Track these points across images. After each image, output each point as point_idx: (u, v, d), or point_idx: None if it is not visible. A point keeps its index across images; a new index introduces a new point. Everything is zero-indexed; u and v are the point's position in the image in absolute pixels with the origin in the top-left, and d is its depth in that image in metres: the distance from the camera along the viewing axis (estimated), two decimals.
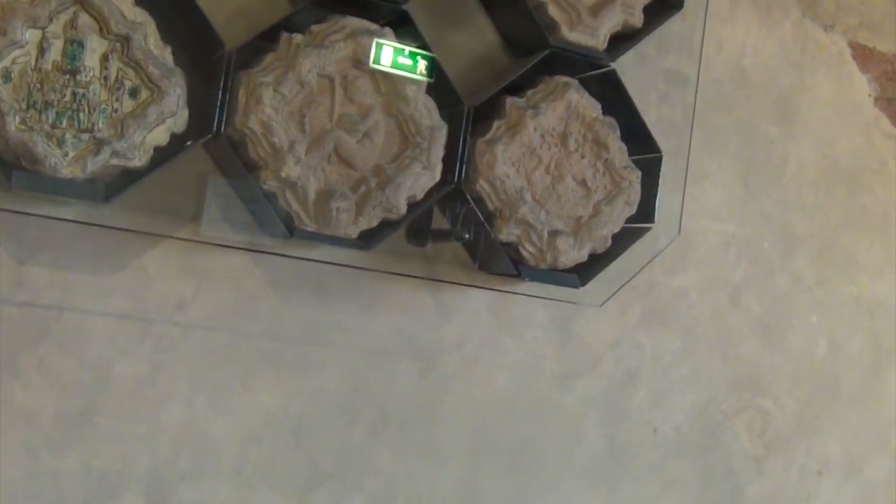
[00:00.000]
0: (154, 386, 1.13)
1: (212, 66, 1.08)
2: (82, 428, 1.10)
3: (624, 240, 1.30)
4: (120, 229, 1.07)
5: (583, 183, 1.25)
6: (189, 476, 1.14)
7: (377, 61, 1.12)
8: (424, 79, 1.14)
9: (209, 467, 1.15)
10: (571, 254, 1.24)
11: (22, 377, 1.08)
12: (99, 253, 1.11)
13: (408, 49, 1.13)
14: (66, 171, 1.00)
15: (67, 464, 1.09)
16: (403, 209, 1.15)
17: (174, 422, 1.13)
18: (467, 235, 1.18)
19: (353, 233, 1.13)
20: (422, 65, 1.14)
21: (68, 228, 1.08)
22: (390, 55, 1.13)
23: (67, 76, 1.01)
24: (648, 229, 1.29)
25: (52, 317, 1.09)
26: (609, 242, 1.28)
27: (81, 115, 1.02)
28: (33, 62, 1.00)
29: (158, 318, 1.13)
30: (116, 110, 1.03)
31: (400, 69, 1.13)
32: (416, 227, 1.22)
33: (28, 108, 1.00)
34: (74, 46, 1.02)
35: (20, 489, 1.07)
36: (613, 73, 1.25)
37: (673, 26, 1.32)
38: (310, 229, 1.12)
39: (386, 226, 1.16)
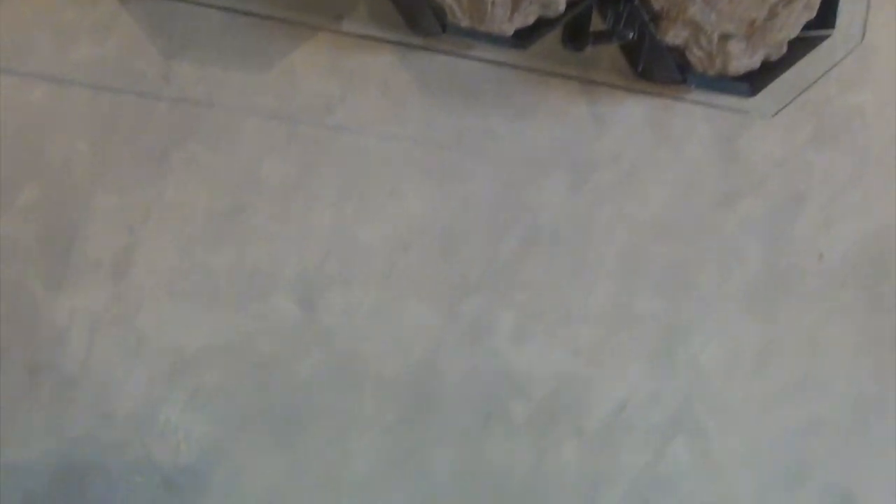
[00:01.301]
0: (303, 188, 1.10)
1: None
2: (233, 226, 1.09)
3: (800, 47, 1.19)
4: (267, 17, 1.03)
5: None
6: (337, 280, 1.13)
7: None
8: None
9: (357, 273, 1.13)
10: (743, 59, 1.14)
11: (173, 173, 1.07)
12: (247, 50, 1.08)
13: None
14: None
15: (220, 261, 1.09)
16: (562, 6, 1.08)
17: (323, 225, 1.12)
18: (631, 34, 1.09)
19: (509, 30, 1.07)
20: None
21: (216, 23, 1.05)
22: None
23: None
24: (827, 36, 1.18)
25: (201, 113, 1.07)
26: (784, 49, 1.18)
27: None
28: None
29: (306, 120, 1.10)
30: None
31: None
32: (574, 28, 1.14)
33: None
34: None
35: (177, 284, 1.07)
36: None
37: None
38: (463, 25, 1.05)
39: (543, 24, 1.09)
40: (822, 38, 1.18)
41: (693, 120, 1.24)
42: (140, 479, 1.09)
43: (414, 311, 1.16)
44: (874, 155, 1.33)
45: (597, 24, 1.15)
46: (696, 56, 1.14)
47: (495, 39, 1.07)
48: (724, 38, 1.13)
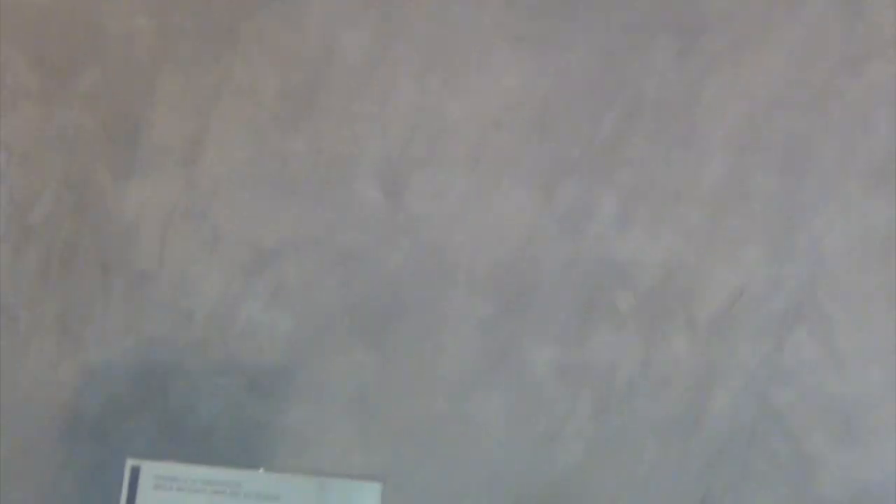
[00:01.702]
0: (383, 62, 1.01)
1: None
2: (308, 107, 1.00)
3: None
4: None
5: None
6: (423, 163, 1.04)
7: None
8: None
9: (445, 155, 1.04)
10: None
11: (242, 52, 0.98)
12: None
13: None
14: None
15: (296, 146, 1.01)
16: None
17: (406, 102, 1.02)
18: None
19: None
20: None
21: None
22: None
23: None
24: None
25: None
26: None
27: None
28: None
29: None
30: None
31: None
32: None
33: None
34: None
35: (248, 171, 1.00)
36: None
37: None
38: None
39: None
40: None
41: None
42: (223, 382, 1.03)
43: (508, 196, 1.07)
44: None
45: None
46: None
47: None
48: None
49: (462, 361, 1.08)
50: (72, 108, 0.97)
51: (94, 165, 0.98)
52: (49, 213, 1.00)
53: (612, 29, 1.06)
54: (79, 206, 0.99)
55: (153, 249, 1.00)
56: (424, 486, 1.09)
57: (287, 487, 0.86)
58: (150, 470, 0.86)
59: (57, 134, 0.98)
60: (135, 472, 0.86)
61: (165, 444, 1.02)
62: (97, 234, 0.99)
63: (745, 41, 1.11)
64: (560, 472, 1.12)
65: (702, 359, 1.13)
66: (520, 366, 1.09)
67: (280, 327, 1.04)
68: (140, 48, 0.95)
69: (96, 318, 1.01)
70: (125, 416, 1.02)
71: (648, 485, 1.14)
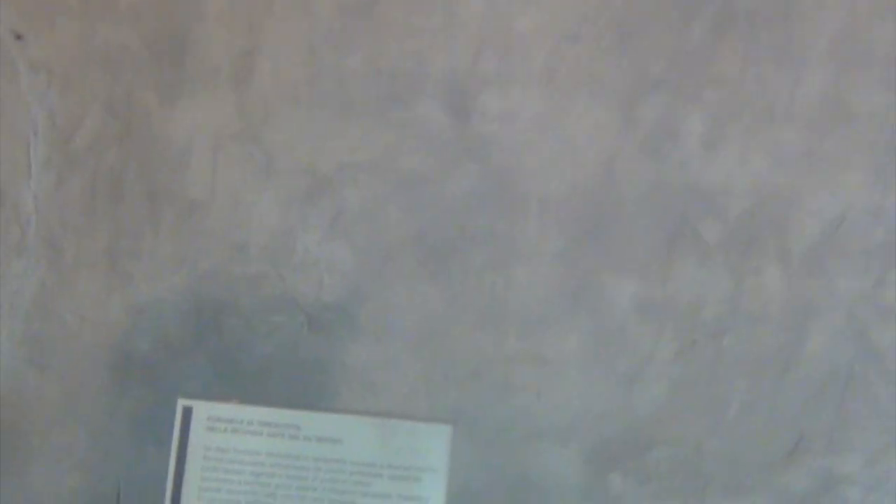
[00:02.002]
0: None
1: None
2: (366, 20, 0.92)
3: None
4: None
5: None
6: (493, 80, 0.96)
7: None
8: None
9: (516, 71, 0.96)
10: None
11: None
12: None
13: None
14: None
15: (353, 63, 0.93)
16: None
17: (473, 14, 0.94)
18: None
19: None
20: None
21: None
22: None
23: None
24: None
25: None
26: None
27: None
28: None
29: None
30: None
31: None
32: None
33: None
34: None
35: (303, 91, 0.92)
36: None
37: None
38: None
39: None
40: None
41: None
42: (279, 319, 0.97)
43: (584, 116, 0.98)
44: None
45: None
46: None
47: None
48: None
49: (535, 297, 1.00)
50: (115, 25, 0.90)
51: (138, 87, 0.92)
52: (93, 138, 0.93)
53: None
54: (124, 130, 0.93)
55: (203, 177, 0.94)
56: (494, 432, 1.02)
57: (349, 430, 0.80)
58: (203, 410, 0.80)
59: (99, 53, 0.92)
60: (187, 413, 0.80)
61: (219, 385, 0.96)
62: (144, 160, 0.93)
63: None
64: (641, 417, 1.04)
65: (796, 294, 1.04)
66: (598, 302, 1.01)
67: (339, 260, 0.97)
68: None
69: (145, 252, 0.95)
70: (176, 356, 0.97)
71: (736, 430, 1.06)
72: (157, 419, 0.98)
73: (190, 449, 0.80)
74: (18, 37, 0.89)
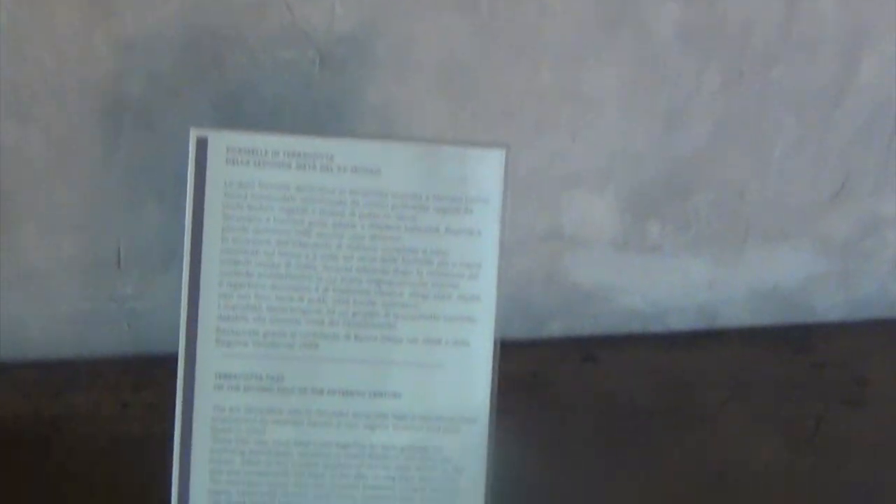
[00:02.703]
0: None
1: None
2: None
3: None
4: None
5: None
6: None
7: None
8: None
9: None
10: None
11: None
12: None
13: None
14: None
15: None
16: None
17: None
18: None
19: None
20: None
21: None
22: None
23: None
24: None
25: None
26: None
27: None
28: None
29: None
30: None
31: None
32: None
33: None
34: None
35: None
36: None
37: None
38: None
39: None
40: None
41: None
42: (288, 55, 0.86)
43: None
44: None
45: None
46: None
47: None
48: None
49: (569, 25, 0.90)
50: None
51: None
52: None
53: None
54: None
55: None
56: (526, 174, 0.93)
57: (389, 158, 0.70)
58: (221, 141, 0.70)
59: None
60: (202, 145, 0.70)
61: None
62: None
63: None
64: (683, 156, 0.96)
65: (850, 18, 0.94)
66: (637, 29, 0.91)
67: None
68: None
69: None
70: (173, 99, 0.86)
71: (783, 170, 0.98)
72: (156, 171, 0.88)
73: (208, 187, 0.70)
74: None
